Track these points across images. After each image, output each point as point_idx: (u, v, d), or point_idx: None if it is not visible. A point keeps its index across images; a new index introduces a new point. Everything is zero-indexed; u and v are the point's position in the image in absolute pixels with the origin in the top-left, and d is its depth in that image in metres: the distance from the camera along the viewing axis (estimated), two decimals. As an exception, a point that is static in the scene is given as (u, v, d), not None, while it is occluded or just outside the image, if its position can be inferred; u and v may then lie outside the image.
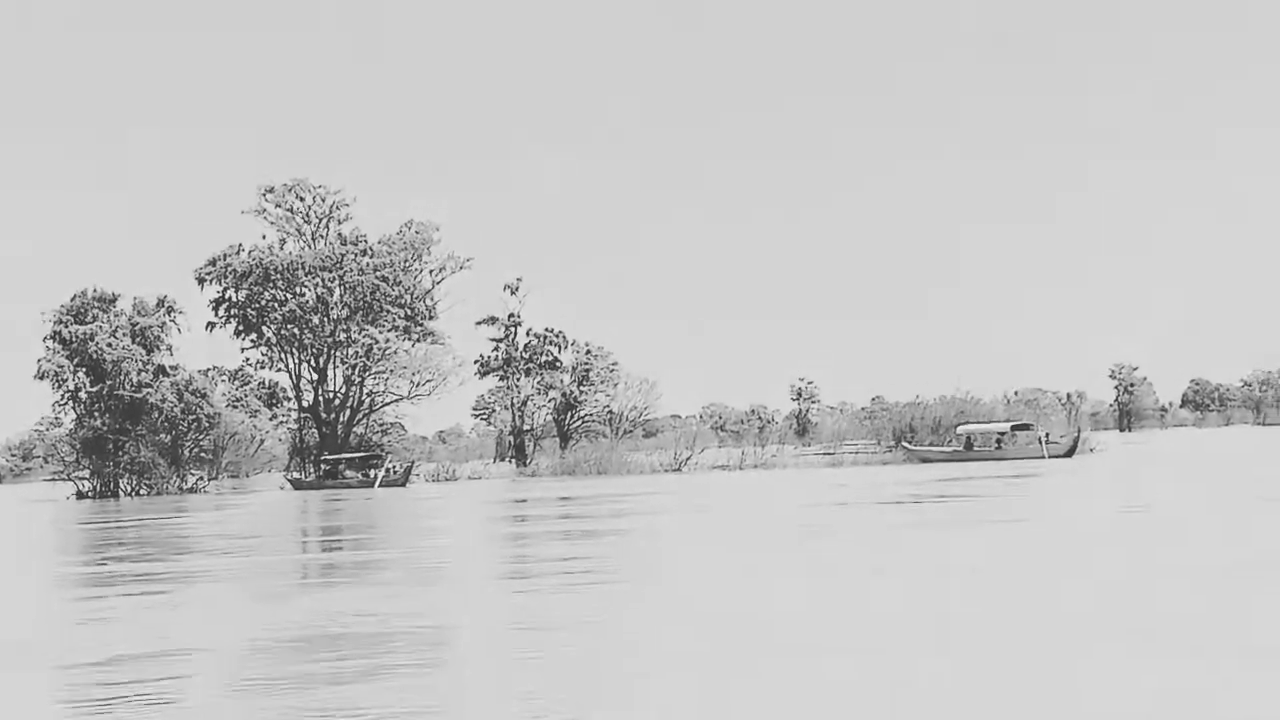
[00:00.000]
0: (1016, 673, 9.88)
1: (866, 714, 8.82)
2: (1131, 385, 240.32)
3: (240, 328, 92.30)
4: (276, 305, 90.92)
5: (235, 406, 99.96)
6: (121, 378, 79.70)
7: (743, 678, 10.07)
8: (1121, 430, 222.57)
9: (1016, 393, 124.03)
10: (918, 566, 18.48)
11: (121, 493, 78.41)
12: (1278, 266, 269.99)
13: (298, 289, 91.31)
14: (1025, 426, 77.08)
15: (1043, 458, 70.13)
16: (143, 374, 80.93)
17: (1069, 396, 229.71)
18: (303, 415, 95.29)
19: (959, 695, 9.20)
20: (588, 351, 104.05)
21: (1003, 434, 74.51)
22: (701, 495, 45.60)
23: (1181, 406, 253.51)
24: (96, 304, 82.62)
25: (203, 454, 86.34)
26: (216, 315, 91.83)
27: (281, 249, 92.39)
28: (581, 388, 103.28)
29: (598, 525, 31.02)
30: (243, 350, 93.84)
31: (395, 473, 78.94)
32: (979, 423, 77.82)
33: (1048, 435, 75.03)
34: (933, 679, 9.74)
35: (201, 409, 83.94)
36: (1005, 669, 10.03)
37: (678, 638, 12.28)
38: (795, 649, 11.21)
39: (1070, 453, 71.92)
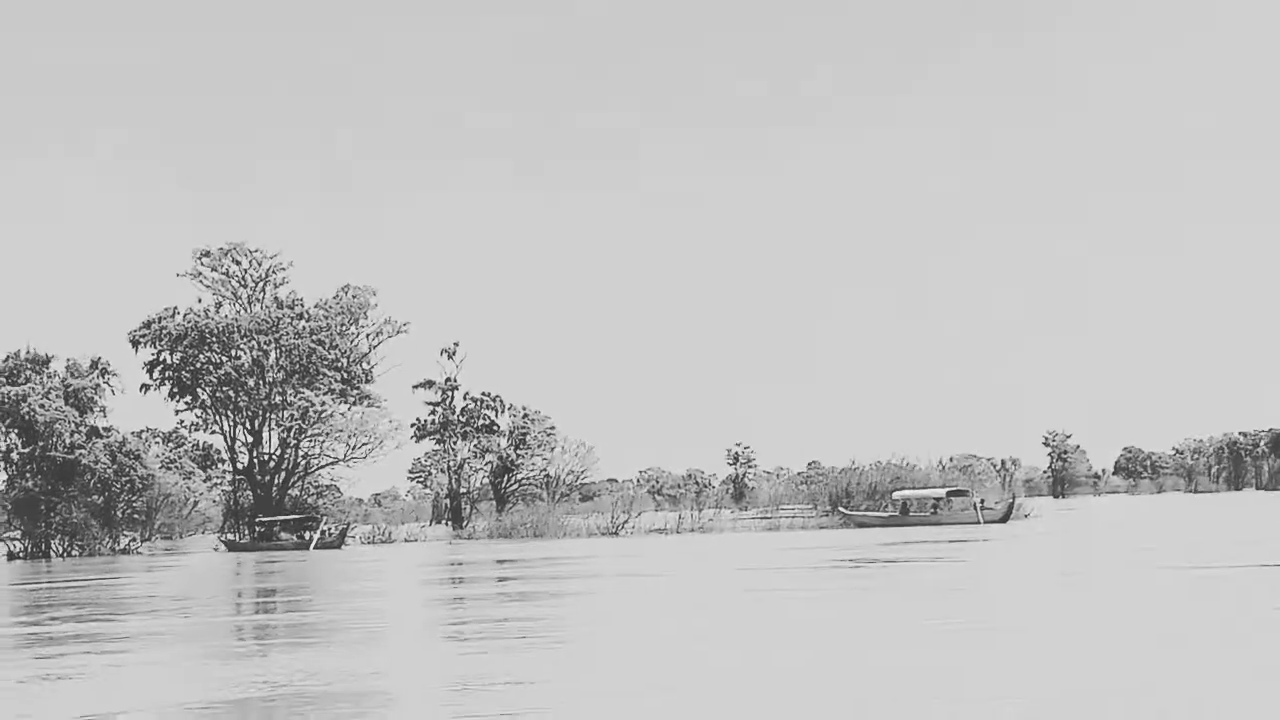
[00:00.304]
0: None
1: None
2: (1065, 452, 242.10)
3: (175, 390, 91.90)
4: (212, 368, 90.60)
5: (169, 468, 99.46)
6: (54, 439, 78.98)
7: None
8: (1055, 496, 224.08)
9: (951, 459, 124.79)
10: (863, 627, 18.60)
11: (53, 553, 77.59)
12: (1211, 337, 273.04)
13: (233, 352, 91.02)
14: (961, 492, 77.53)
15: (978, 523, 70.53)
16: (75, 435, 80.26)
17: (1003, 463, 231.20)
18: (237, 477, 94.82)
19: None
20: (525, 415, 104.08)
21: (939, 499, 74.90)
22: (641, 558, 45.65)
23: (1114, 473, 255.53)
24: (29, 365, 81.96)
25: (136, 515, 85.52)
26: (151, 377, 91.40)
27: (217, 312, 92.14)
28: (518, 451, 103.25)
29: (537, 587, 31.03)
30: (177, 413, 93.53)
31: (330, 535, 78.52)
32: (915, 488, 78.23)
33: (983, 501, 75.51)
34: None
35: (135, 470, 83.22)
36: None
37: (617, 698, 12.35)
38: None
39: (1005, 518, 72.37)
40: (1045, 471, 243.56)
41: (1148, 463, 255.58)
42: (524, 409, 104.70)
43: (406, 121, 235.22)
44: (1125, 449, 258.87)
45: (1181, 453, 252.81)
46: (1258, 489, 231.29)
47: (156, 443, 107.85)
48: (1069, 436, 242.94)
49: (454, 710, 11.93)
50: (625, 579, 33.97)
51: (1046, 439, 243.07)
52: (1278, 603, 19.77)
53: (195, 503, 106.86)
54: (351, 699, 12.56)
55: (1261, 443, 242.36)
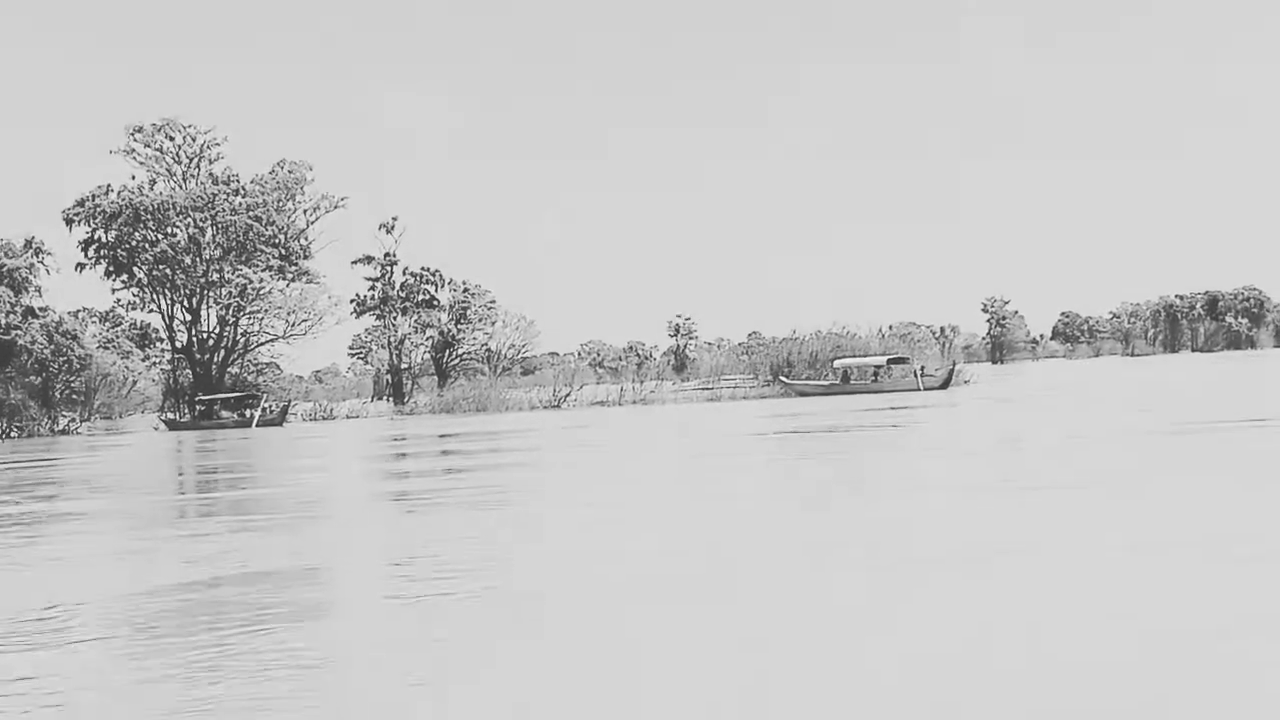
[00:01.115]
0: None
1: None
2: (1003, 319, 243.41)
3: (111, 269, 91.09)
4: (147, 246, 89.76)
5: (107, 348, 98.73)
6: (-12, 320, 78.31)
7: (625, 612, 10.10)
8: (994, 363, 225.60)
9: (891, 327, 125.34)
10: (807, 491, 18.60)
11: (-9, 435, 77.12)
12: (1148, 202, 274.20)
13: (169, 229, 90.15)
14: (901, 360, 77.86)
15: (918, 390, 70.87)
16: (10, 316, 79.56)
17: (942, 330, 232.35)
18: (176, 356, 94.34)
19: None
20: (465, 290, 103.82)
21: (879, 368, 75.19)
22: (585, 430, 45.66)
23: (1052, 339, 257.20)
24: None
25: (74, 396, 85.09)
26: (86, 256, 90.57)
27: (152, 189, 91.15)
28: (459, 326, 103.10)
29: (481, 461, 30.94)
30: (114, 292, 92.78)
31: (271, 412, 78.20)
32: (855, 357, 78.49)
33: (923, 368, 75.82)
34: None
35: (72, 351, 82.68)
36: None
37: (561, 569, 12.28)
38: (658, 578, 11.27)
39: (945, 385, 72.71)
40: (984, 338, 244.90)
41: (1085, 327, 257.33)
42: (464, 284, 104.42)
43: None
44: (1063, 314, 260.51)
45: (1118, 317, 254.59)
46: (1193, 351, 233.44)
47: (93, 322, 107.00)
48: (1007, 303, 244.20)
49: (400, 579, 11.83)
50: (572, 450, 33.94)
51: (985, 305, 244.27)
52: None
53: (134, 382, 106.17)
54: (299, 576, 12.44)
55: (1197, 305, 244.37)
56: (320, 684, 7.92)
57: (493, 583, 11.27)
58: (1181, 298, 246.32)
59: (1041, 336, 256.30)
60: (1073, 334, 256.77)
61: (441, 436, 46.61)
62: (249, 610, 10.28)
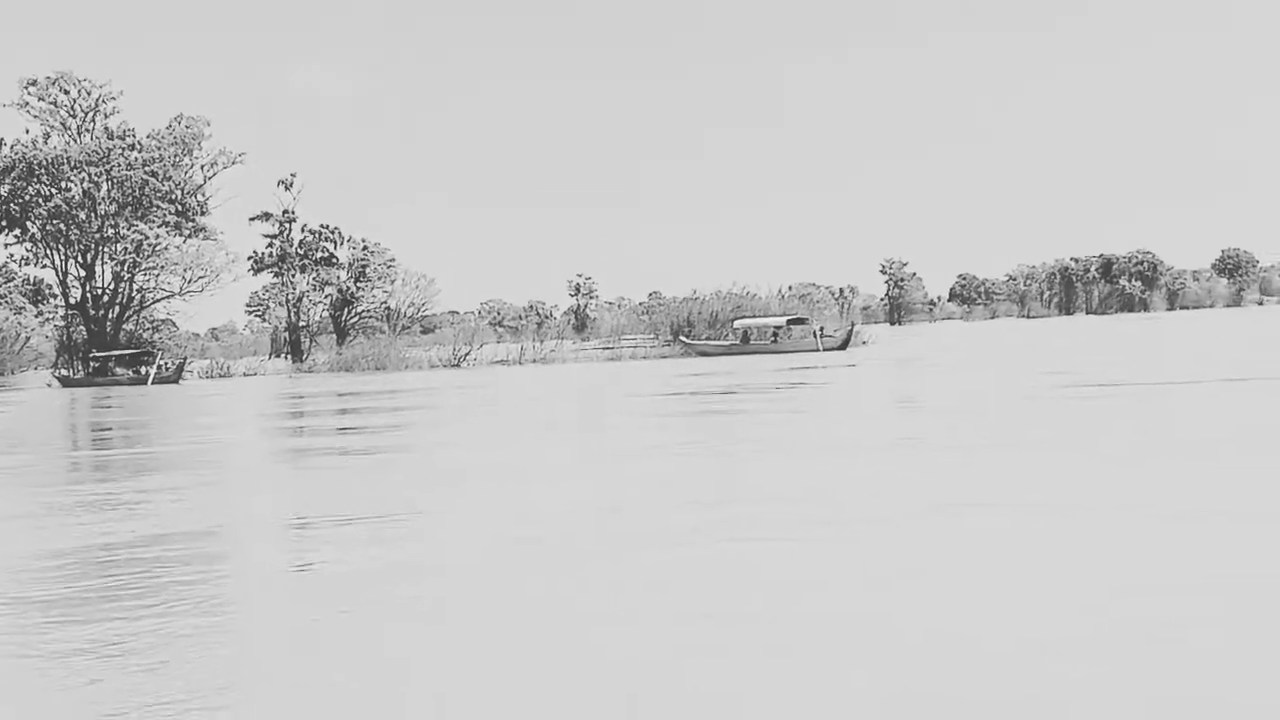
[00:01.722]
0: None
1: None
2: (901, 280, 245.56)
3: (3, 224, 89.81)
4: (41, 201, 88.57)
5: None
6: (-123, 274, 76.99)
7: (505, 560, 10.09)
8: (892, 324, 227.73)
9: (791, 288, 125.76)
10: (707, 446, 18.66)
11: (-120, 392, 75.89)
12: (1044, 165, 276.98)
13: (63, 184, 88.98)
14: (800, 320, 78.33)
15: (817, 350, 71.33)
16: (-101, 270, 78.30)
17: (841, 291, 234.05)
18: (70, 312, 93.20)
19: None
20: (364, 248, 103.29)
21: (779, 328, 75.58)
22: (486, 389, 45.60)
23: (949, 300, 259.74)
24: None
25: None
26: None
27: (46, 143, 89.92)
28: (358, 284, 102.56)
29: (381, 420, 30.80)
30: (6, 246, 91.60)
31: (167, 369, 77.42)
32: (755, 317, 78.86)
33: (822, 329, 76.32)
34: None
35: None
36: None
37: (467, 534, 12.26)
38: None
39: (844, 345, 73.24)
40: (882, 299, 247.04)
41: (982, 289, 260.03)
42: (363, 241, 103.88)
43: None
44: (960, 276, 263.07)
45: (1014, 279, 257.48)
46: (1088, 313, 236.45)
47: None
48: (905, 264, 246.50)
49: (298, 546, 11.76)
50: (471, 409, 33.86)
51: (883, 267, 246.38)
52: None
53: (26, 338, 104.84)
54: (197, 538, 12.34)
55: (1092, 268, 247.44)
56: (226, 652, 7.85)
57: (386, 552, 11.21)
58: (1076, 260, 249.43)
59: (939, 298, 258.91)
60: (970, 296, 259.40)
61: (341, 395, 46.35)
62: (150, 573, 10.18)
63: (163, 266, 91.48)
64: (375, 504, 13.61)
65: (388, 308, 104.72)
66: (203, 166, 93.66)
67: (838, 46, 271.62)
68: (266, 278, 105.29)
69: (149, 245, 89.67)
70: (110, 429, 33.00)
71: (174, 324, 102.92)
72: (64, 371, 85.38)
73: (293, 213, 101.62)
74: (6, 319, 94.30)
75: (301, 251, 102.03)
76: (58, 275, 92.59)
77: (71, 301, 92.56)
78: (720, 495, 13.10)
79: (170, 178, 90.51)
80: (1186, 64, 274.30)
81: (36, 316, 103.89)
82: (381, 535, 11.49)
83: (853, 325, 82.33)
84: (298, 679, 7.14)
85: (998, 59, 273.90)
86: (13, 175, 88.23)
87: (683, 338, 78.88)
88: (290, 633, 8.18)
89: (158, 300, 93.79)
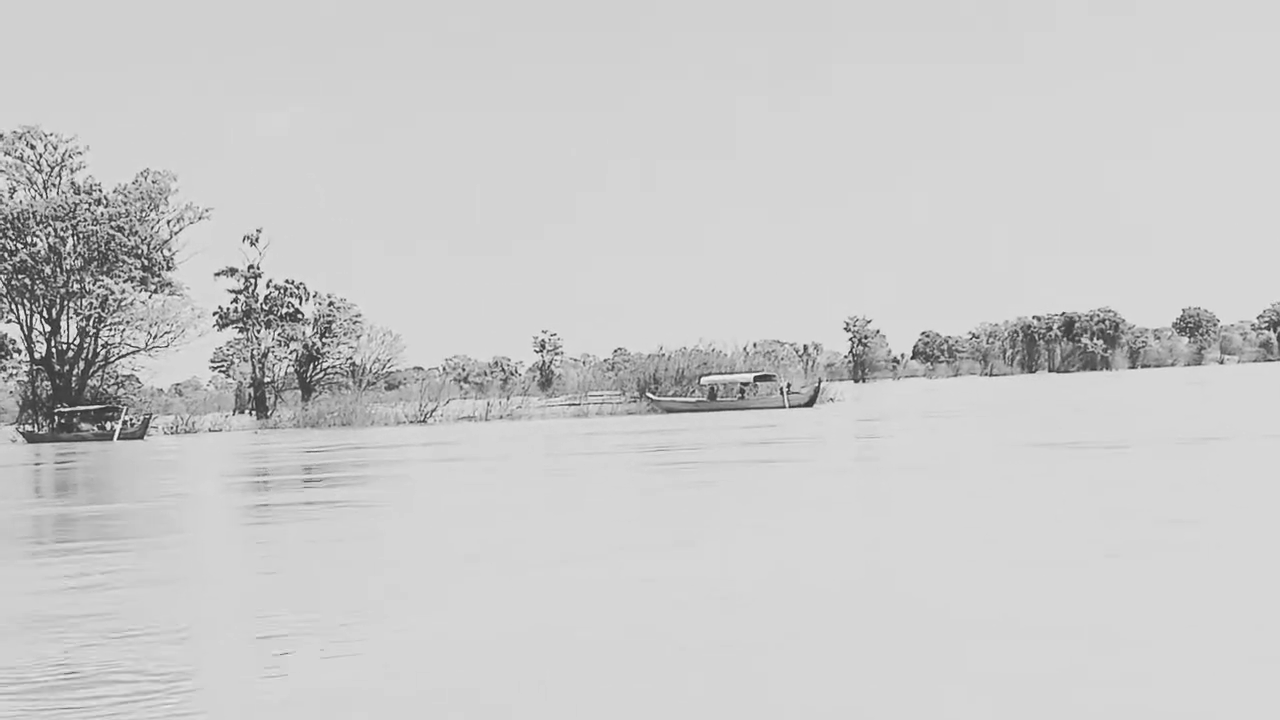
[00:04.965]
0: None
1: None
2: (865, 338, 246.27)
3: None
4: (6, 255, 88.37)
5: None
6: None
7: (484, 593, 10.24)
8: (856, 381, 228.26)
9: (755, 344, 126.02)
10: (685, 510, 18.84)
11: None
12: (1006, 224, 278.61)
13: (28, 239, 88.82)
14: (767, 377, 78.71)
15: (784, 407, 71.62)
16: None
17: (806, 348, 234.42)
18: (35, 368, 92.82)
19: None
20: (330, 303, 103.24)
21: (746, 385, 75.93)
22: (455, 443, 45.71)
23: (913, 358, 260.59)
24: None
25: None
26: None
27: (11, 198, 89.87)
28: (324, 339, 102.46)
29: (359, 473, 30.89)
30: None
31: (132, 425, 77.28)
32: (722, 374, 79.20)
33: (789, 386, 76.65)
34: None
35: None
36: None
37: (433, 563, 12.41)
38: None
39: (811, 402, 73.57)
40: (846, 356, 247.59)
41: (945, 347, 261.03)
42: (329, 297, 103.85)
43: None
44: (923, 334, 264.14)
45: (977, 337, 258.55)
46: (1050, 371, 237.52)
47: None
48: (869, 322, 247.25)
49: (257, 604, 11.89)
50: (440, 464, 33.97)
51: (847, 324, 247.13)
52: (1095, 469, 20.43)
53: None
54: (169, 589, 12.45)
55: (1054, 326, 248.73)
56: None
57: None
58: (1039, 319, 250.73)
59: (902, 355, 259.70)
60: (933, 353, 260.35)
61: (309, 451, 46.37)
62: (111, 625, 10.29)
63: (128, 322, 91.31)
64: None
65: (353, 363, 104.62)
66: (169, 221, 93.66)
67: (793, 94, 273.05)
68: (231, 333, 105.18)
69: (114, 300, 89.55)
70: (85, 485, 32.98)
71: (138, 380, 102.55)
72: (28, 427, 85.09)
73: (258, 268, 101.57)
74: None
75: (267, 307, 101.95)
76: (22, 330, 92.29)
77: (36, 356, 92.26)
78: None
79: (136, 232, 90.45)
80: (1148, 123, 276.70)
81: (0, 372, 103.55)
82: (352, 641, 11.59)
83: (820, 382, 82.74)
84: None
85: (966, 116, 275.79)
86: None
87: (650, 394, 79.16)
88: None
89: (123, 356, 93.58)
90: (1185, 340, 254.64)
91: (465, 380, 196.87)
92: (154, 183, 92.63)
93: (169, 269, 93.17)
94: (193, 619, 10.66)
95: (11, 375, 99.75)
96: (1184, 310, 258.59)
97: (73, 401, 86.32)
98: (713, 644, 8.76)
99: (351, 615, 10.41)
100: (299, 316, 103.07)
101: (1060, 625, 8.93)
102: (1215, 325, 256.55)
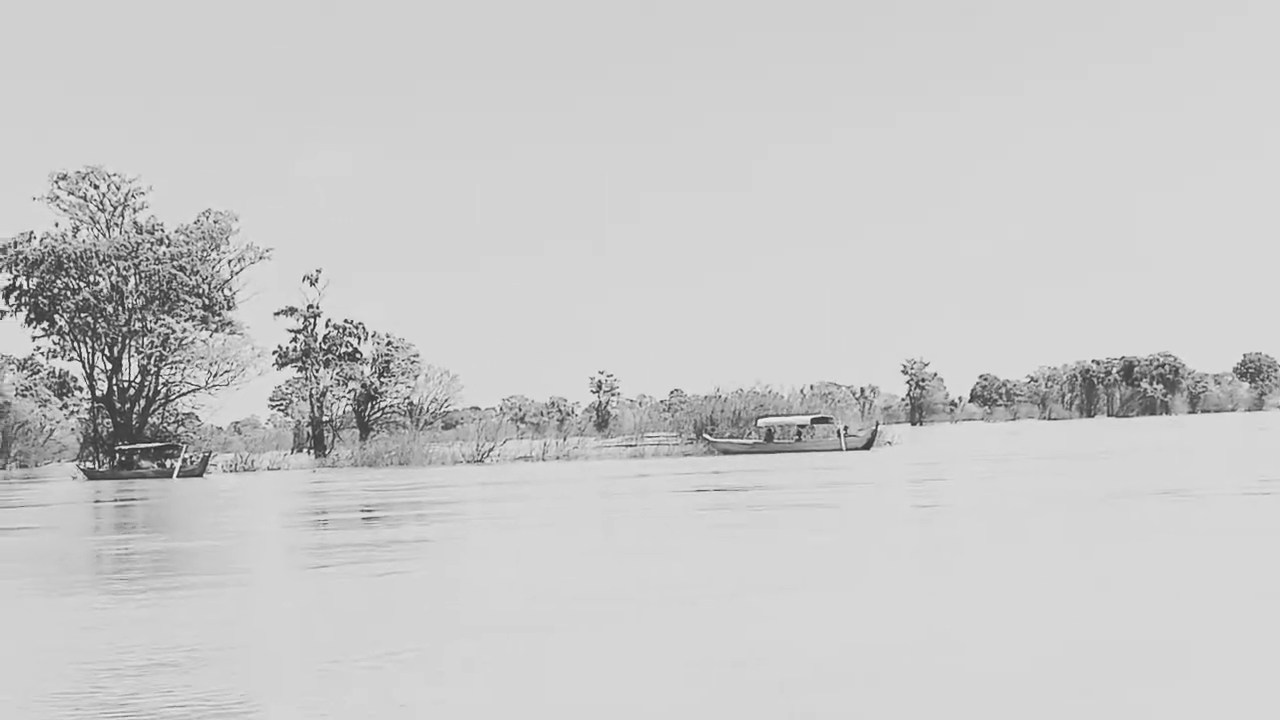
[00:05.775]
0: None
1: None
2: (923, 380, 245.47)
3: (31, 316, 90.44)
4: (69, 294, 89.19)
5: (25, 395, 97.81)
6: (-94, 366, 77.51)
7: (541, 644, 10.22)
8: (913, 424, 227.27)
9: (813, 386, 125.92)
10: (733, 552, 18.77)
11: (-95, 483, 76.15)
12: (1067, 267, 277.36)
13: (91, 278, 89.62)
14: (825, 420, 78.48)
15: (841, 450, 71.31)
16: (-72, 362, 78.80)
17: (863, 391, 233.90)
18: (96, 405, 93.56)
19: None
20: (389, 343, 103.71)
21: (803, 427, 75.69)
22: (518, 484, 45.72)
23: (970, 401, 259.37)
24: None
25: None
26: (6, 303, 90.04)
27: (75, 237, 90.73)
28: (382, 379, 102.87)
29: (423, 512, 30.93)
30: (34, 339, 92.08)
31: (192, 463, 77.68)
32: (779, 415, 78.99)
33: (846, 428, 76.36)
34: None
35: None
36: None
37: (487, 612, 12.39)
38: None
39: (869, 445, 73.24)
40: (903, 399, 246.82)
41: (1003, 390, 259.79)
42: (388, 336, 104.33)
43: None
44: (981, 376, 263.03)
45: (1036, 380, 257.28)
46: (1109, 416, 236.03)
47: (11, 369, 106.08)
48: (927, 364, 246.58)
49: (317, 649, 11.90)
50: (501, 503, 33.97)
51: (905, 367, 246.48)
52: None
53: (51, 431, 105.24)
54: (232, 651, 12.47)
55: (1113, 370, 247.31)
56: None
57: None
58: (1098, 363, 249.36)
59: (960, 398, 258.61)
60: (990, 397, 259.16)
61: (370, 490, 46.47)
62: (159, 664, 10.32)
63: (189, 360, 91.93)
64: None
65: (411, 403, 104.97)
66: (230, 261, 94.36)
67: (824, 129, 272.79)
68: (290, 372, 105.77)
69: (175, 339, 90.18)
70: (146, 523, 33.13)
71: (197, 418, 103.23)
72: (89, 464, 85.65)
73: (317, 307, 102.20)
74: (32, 411, 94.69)
75: (325, 346, 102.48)
76: (84, 368, 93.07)
77: (98, 394, 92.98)
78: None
79: (198, 272, 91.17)
80: (1210, 163, 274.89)
81: (61, 409, 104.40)
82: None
83: (877, 425, 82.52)
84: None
85: (1022, 153, 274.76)
86: (42, 268, 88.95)
87: (706, 435, 78.96)
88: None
89: (183, 394, 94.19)
90: (1246, 385, 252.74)
91: (522, 420, 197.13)
92: (215, 223, 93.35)
93: (229, 308, 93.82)
94: (252, 654, 10.68)
95: (73, 413, 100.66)
96: (1245, 355, 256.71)
97: (133, 439, 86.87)
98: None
99: (416, 658, 10.39)
100: (357, 356, 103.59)
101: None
102: (1276, 370, 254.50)
